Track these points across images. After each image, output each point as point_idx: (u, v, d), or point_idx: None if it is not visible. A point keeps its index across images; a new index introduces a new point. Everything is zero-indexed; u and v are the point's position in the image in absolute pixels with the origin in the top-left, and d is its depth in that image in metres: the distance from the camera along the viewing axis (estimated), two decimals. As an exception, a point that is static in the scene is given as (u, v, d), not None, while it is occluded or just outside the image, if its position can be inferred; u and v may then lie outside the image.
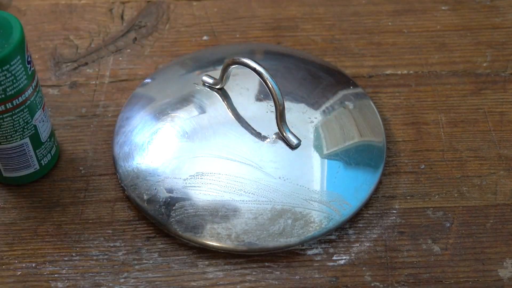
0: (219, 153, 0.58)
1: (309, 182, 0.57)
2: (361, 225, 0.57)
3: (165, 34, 0.71)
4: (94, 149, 0.62)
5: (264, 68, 0.58)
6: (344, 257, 0.55)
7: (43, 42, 0.70)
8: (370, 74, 0.67)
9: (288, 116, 0.59)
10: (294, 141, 0.59)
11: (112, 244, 0.56)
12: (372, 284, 0.54)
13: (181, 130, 0.60)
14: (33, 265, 0.55)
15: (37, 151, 0.58)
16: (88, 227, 0.57)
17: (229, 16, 0.72)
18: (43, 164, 0.59)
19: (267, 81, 0.57)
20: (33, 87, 0.55)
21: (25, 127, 0.56)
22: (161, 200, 0.57)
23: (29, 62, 0.54)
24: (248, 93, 0.62)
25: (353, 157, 0.59)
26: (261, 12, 0.72)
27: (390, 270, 0.55)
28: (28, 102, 0.55)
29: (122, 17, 0.72)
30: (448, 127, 0.63)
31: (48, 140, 0.59)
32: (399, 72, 0.67)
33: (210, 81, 0.63)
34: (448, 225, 0.57)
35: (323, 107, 0.62)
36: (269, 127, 0.60)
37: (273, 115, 0.59)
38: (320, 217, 0.56)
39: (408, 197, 0.59)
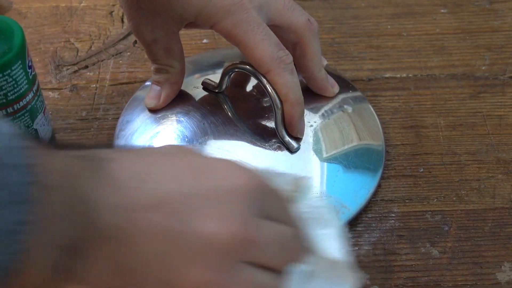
0: (219, 157, 0.58)
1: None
2: (360, 229, 0.57)
3: (165, 37, 0.71)
4: (94, 152, 0.62)
5: (263, 72, 0.58)
6: (343, 261, 0.56)
7: (44, 45, 0.70)
8: (369, 77, 0.67)
9: (288, 120, 0.60)
10: (293, 144, 0.59)
11: (112, 248, 0.56)
12: (371, 288, 0.54)
13: (181, 134, 0.60)
14: (34, 268, 0.55)
15: (38, 154, 0.58)
16: (88, 230, 0.57)
17: (229, 19, 0.72)
18: (43, 167, 0.59)
19: (267, 86, 0.57)
20: (34, 92, 0.55)
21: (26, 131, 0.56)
22: (161, 203, 0.57)
23: (30, 67, 0.54)
24: (247, 97, 0.62)
25: (352, 160, 0.59)
26: (261, 15, 0.72)
27: (389, 274, 0.55)
28: (29, 106, 0.55)
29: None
30: (446, 131, 0.63)
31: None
32: (398, 76, 0.67)
33: (210, 84, 0.63)
34: (447, 228, 0.57)
35: (322, 111, 0.62)
36: (269, 131, 0.60)
37: (273, 119, 0.59)
38: (319, 221, 0.56)
39: (407, 201, 0.59)
